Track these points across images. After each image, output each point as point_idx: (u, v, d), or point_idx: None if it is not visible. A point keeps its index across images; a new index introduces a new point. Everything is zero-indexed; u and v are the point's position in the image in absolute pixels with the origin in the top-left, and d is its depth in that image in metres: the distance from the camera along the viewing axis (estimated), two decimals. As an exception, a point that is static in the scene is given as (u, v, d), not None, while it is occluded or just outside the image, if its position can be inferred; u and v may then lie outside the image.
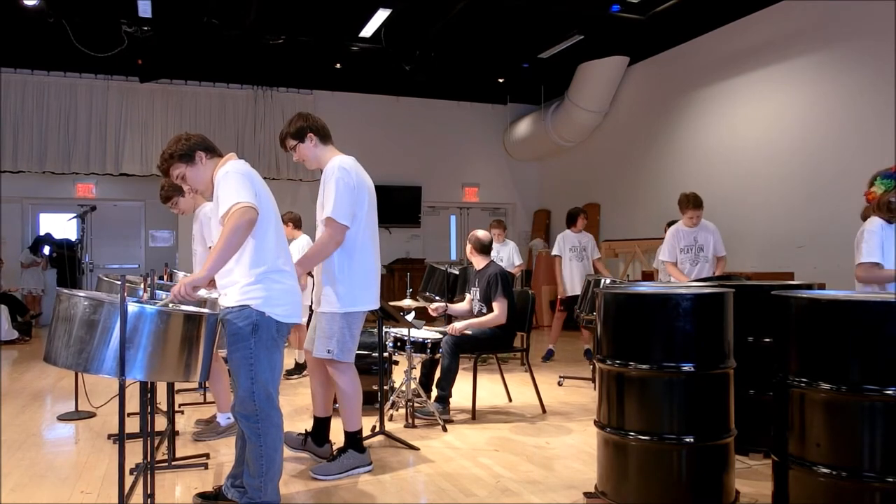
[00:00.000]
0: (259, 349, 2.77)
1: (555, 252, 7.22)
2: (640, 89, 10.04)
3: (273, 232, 2.86)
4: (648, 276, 8.38)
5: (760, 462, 3.59)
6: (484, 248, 5.15)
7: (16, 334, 8.85)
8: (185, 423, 4.56)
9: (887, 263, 3.37)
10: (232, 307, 2.79)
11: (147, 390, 2.97)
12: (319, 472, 3.51)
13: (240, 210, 2.64)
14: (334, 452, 3.63)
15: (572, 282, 7.04)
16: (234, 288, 2.80)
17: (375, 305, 3.60)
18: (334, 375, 3.50)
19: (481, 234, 5.23)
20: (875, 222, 3.43)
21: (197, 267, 4.30)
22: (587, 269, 7.08)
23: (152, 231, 11.97)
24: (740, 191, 8.14)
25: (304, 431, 3.82)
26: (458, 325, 4.82)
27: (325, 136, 3.54)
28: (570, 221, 7.23)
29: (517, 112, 12.28)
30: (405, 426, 4.49)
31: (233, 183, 2.73)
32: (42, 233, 11.19)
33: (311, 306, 4.19)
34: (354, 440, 3.57)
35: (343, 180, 3.37)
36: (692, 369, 2.77)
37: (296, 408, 5.04)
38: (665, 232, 6.29)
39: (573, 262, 7.11)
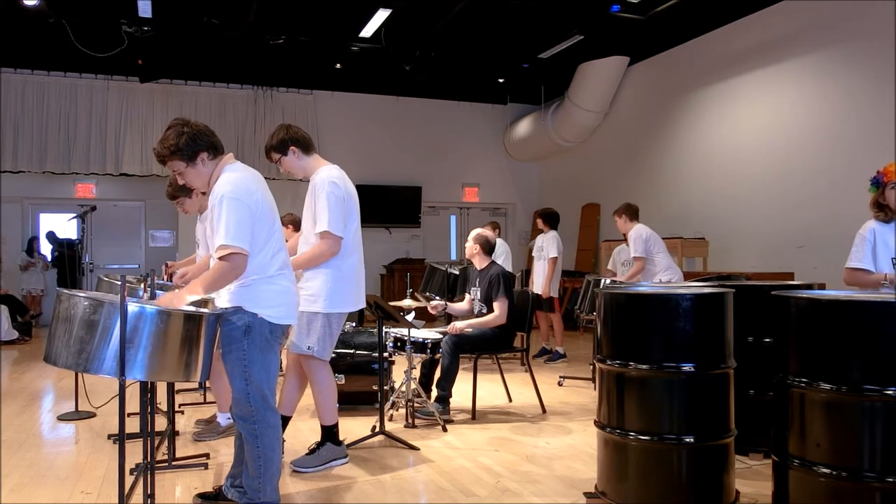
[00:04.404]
0: (252, 350, 2.76)
1: (555, 254, 7.24)
2: (640, 89, 10.04)
3: (268, 233, 2.81)
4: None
5: (760, 462, 3.60)
6: (490, 249, 5.16)
7: (16, 334, 8.85)
8: (185, 423, 4.56)
9: (881, 264, 3.41)
10: (225, 308, 2.79)
11: (147, 390, 2.97)
12: (299, 464, 3.59)
13: (232, 259, 2.61)
14: (313, 446, 3.70)
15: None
16: (228, 290, 2.80)
17: (360, 305, 3.71)
18: (310, 371, 3.60)
19: (489, 233, 5.24)
20: (867, 227, 3.48)
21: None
22: (541, 268, 7.35)
23: (152, 231, 11.98)
24: (740, 191, 8.14)
25: None
26: (459, 324, 4.82)
27: (307, 147, 3.62)
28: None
29: (517, 112, 12.28)
30: (405, 426, 4.49)
31: (226, 214, 2.64)
32: (44, 231, 11.18)
33: None
34: (331, 433, 3.67)
35: (334, 194, 3.48)
36: (692, 369, 2.77)
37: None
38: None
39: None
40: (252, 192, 2.74)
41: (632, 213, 6.36)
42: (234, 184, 2.72)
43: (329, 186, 3.48)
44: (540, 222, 7.49)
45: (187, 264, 4.32)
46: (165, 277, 4.84)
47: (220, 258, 2.64)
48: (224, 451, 3.92)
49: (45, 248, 11.10)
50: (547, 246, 7.25)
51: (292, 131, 3.59)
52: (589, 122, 10.70)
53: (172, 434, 3.72)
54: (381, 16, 7.94)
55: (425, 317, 6.03)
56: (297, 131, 3.61)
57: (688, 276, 6.95)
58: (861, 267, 3.42)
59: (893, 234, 3.43)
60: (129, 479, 2.80)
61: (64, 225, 10.45)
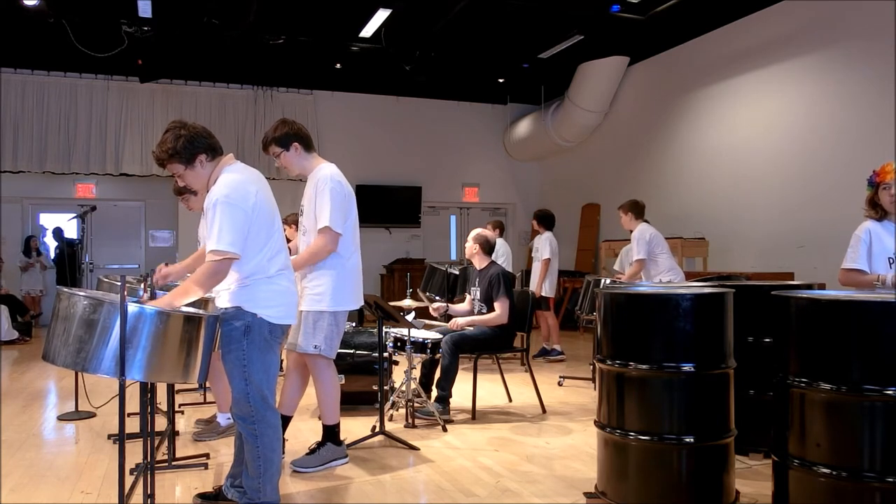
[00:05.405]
0: (252, 350, 2.76)
1: (547, 255, 7.23)
2: (640, 89, 10.04)
3: (268, 233, 2.81)
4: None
5: (760, 462, 3.60)
6: (490, 249, 5.16)
7: (16, 334, 8.86)
8: (185, 423, 4.56)
9: (878, 263, 3.43)
10: (225, 309, 2.79)
11: (147, 390, 2.97)
12: (299, 464, 3.60)
13: (221, 262, 2.63)
14: (313, 446, 3.70)
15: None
16: (227, 290, 2.79)
17: (360, 303, 3.74)
18: (315, 370, 3.60)
19: (488, 233, 5.24)
20: (863, 228, 3.50)
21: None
22: (537, 269, 7.28)
23: (152, 231, 11.98)
24: (740, 191, 8.13)
25: None
26: (460, 321, 4.84)
27: (308, 145, 3.62)
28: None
29: (517, 112, 12.28)
30: (405, 426, 4.50)
31: (219, 218, 2.64)
32: (51, 228, 11.14)
33: None
34: (332, 433, 3.68)
35: (337, 191, 3.50)
36: (692, 369, 2.77)
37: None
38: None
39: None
40: (249, 195, 2.72)
41: (637, 211, 6.29)
42: (230, 187, 2.70)
43: (332, 183, 3.50)
44: (535, 224, 7.49)
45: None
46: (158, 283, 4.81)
47: (209, 261, 2.65)
48: (224, 451, 3.92)
49: (51, 245, 11.07)
50: (541, 247, 7.26)
51: (296, 127, 3.58)
52: (589, 122, 10.69)
53: (172, 434, 3.72)
54: (381, 16, 7.94)
55: (424, 318, 6.04)
56: (300, 128, 3.60)
57: (688, 276, 6.95)
58: (856, 267, 3.43)
59: (890, 233, 3.44)
60: (129, 479, 2.80)
61: (64, 225, 10.46)
